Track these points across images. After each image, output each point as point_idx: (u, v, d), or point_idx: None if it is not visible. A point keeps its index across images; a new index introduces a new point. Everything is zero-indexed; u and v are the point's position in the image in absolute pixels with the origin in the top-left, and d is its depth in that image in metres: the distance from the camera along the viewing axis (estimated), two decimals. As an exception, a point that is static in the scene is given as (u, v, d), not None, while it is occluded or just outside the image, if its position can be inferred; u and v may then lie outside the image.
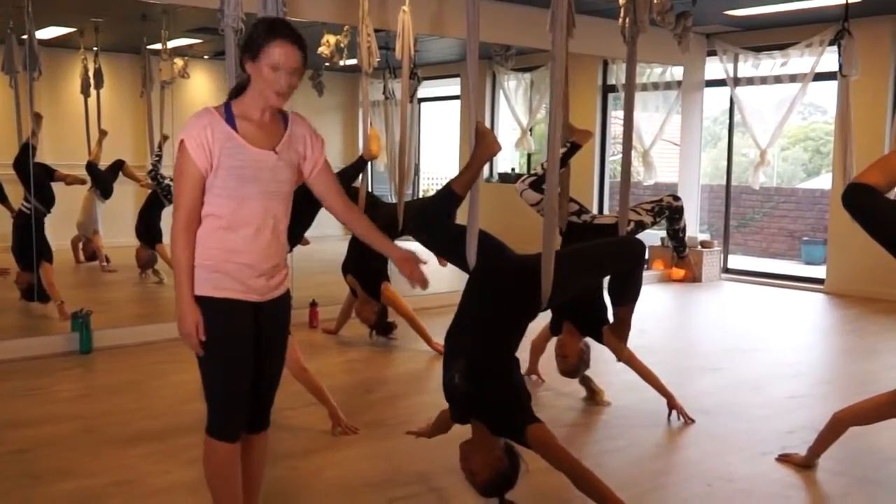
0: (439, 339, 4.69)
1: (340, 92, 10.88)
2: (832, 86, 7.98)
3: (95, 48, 8.32)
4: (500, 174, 11.57)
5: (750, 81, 9.37)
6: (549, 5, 3.46)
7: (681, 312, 8.11)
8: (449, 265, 3.72)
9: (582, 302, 4.57)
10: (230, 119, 2.58)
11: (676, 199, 4.83)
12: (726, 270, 9.93)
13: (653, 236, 9.44)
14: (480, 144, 3.20)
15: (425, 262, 2.89)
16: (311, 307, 6.71)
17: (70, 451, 3.92)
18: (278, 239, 2.69)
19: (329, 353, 5.99)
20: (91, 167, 8.14)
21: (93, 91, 8.26)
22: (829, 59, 8.22)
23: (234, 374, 2.66)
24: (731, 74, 9.39)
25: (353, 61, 7.26)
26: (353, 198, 6.43)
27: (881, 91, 8.31)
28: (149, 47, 8.37)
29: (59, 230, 7.45)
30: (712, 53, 9.56)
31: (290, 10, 4.83)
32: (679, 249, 5.12)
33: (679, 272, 9.40)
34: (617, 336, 4.31)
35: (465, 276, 3.40)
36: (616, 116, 10.61)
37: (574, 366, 4.67)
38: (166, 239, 7.73)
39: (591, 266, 3.55)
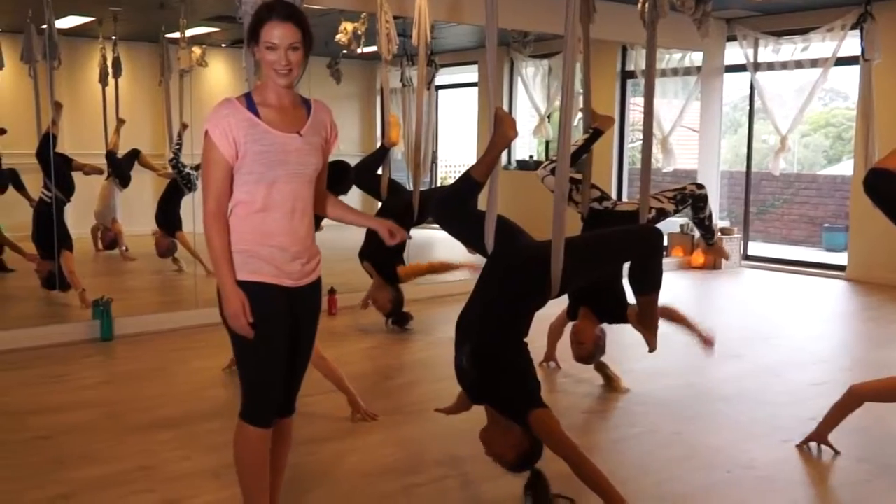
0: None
1: (358, 80, 10.86)
2: (854, 71, 7.90)
3: (114, 37, 8.34)
4: (518, 161, 11.52)
5: (770, 67, 9.26)
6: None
7: (701, 300, 8.06)
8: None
9: (600, 288, 4.55)
10: (251, 107, 2.61)
11: (700, 187, 4.71)
12: (746, 257, 9.88)
13: (672, 223, 9.40)
14: (498, 130, 3.20)
15: (401, 230, 2.90)
16: (330, 295, 6.71)
17: (92, 438, 3.96)
18: (309, 222, 2.72)
19: (347, 340, 6.02)
20: (110, 156, 8.19)
21: (111, 80, 8.28)
22: (851, 44, 8.13)
23: (270, 360, 2.68)
24: (752, 60, 9.30)
25: (371, 49, 7.25)
26: (377, 185, 6.46)
27: (904, 76, 8.20)
28: (167, 36, 8.38)
29: (79, 219, 7.50)
30: (732, 38, 9.47)
31: (308, -2, 4.83)
32: (707, 237, 5.04)
33: (699, 258, 9.36)
34: (644, 326, 4.22)
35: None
36: (635, 103, 10.54)
37: (589, 352, 4.66)
38: (186, 227, 7.87)
39: (605, 255, 3.49)
